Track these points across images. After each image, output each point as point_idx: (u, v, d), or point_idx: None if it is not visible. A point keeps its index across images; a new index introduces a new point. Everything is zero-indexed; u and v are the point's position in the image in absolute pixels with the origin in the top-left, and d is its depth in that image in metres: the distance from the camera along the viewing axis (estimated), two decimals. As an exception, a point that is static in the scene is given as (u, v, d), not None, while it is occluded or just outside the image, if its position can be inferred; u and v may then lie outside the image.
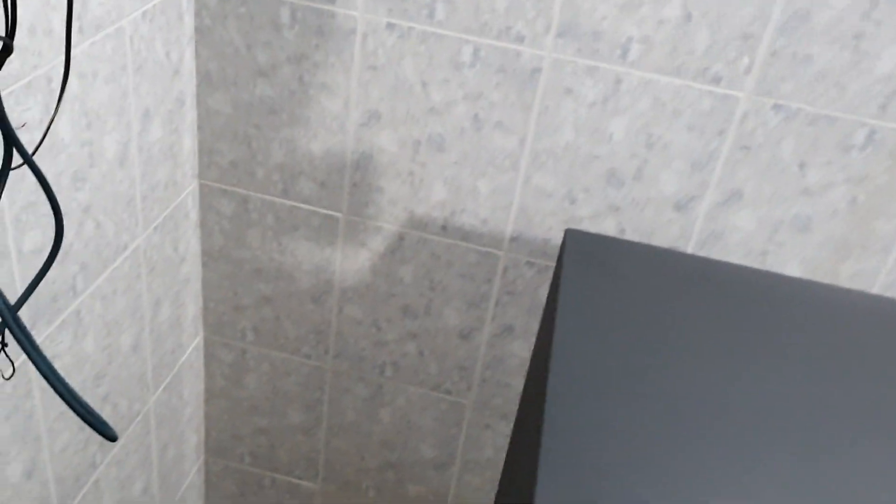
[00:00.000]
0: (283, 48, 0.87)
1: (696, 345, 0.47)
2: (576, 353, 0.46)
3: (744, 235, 0.87)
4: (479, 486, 1.21)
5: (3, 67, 0.58)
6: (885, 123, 0.78)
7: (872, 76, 0.76)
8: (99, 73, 0.72)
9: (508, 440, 1.02)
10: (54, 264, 0.71)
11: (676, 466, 0.39)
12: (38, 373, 0.71)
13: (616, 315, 0.50)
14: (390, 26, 0.83)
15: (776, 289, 0.55)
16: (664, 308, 0.52)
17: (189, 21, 0.86)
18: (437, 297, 1.02)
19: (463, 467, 1.19)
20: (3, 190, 0.52)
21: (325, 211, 0.98)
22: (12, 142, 0.51)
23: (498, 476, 1.19)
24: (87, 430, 0.88)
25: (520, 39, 0.81)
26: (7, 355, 0.55)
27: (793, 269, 0.88)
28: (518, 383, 1.07)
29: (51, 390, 0.75)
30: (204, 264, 1.06)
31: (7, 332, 0.67)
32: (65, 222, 0.71)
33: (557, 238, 0.90)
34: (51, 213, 0.68)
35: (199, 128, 0.94)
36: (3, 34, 0.57)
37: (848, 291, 0.56)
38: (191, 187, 0.98)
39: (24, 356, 0.71)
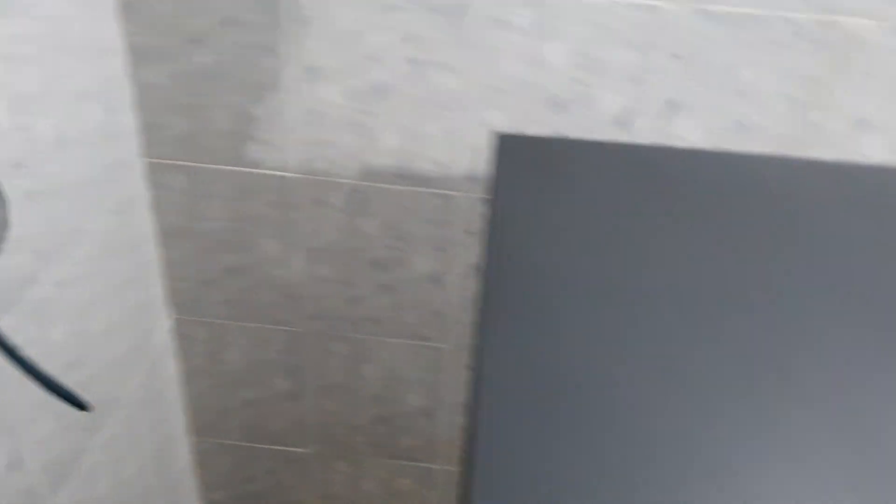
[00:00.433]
0: (214, 13, 0.86)
1: (641, 233, 0.48)
2: (513, 256, 0.46)
3: (689, 145, 0.88)
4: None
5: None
6: (809, 16, 0.79)
7: (798, -31, 0.77)
8: (25, 56, 0.71)
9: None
10: (6, 253, 0.71)
11: (628, 358, 0.40)
12: (6, 365, 0.71)
13: (555, 211, 0.51)
14: (317, -24, 0.82)
15: (724, 168, 0.56)
16: (605, 199, 0.52)
17: (114, -4, 0.85)
18: (404, 246, 1.03)
19: (450, 411, 1.21)
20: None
21: (279, 173, 0.98)
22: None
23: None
24: (68, 416, 0.88)
25: (448, -26, 0.81)
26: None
27: (744, 173, 0.89)
28: (493, 321, 1.08)
29: (26, 382, 0.75)
30: (164, 243, 1.06)
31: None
32: (10, 209, 0.71)
33: (512, 171, 0.91)
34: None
35: (139, 104, 0.93)
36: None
37: (806, 162, 0.57)
38: (139, 166, 0.97)
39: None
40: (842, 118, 0.86)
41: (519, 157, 0.55)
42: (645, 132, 0.88)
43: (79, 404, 0.60)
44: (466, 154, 0.93)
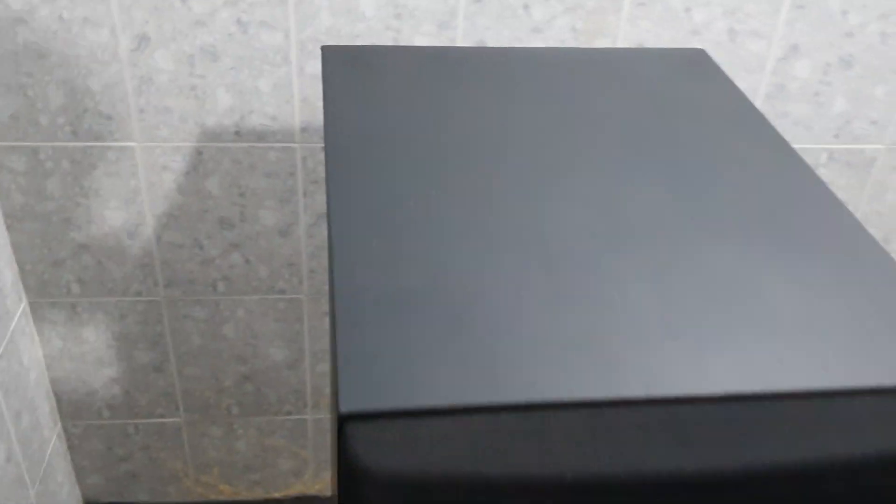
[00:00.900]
0: (36, -11, 0.89)
1: (471, 128, 0.56)
2: (350, 158, 0.50)
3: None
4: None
5: None
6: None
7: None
8: None
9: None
10: None
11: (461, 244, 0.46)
12: None
13: (383, 112, 0.56)
14: (136, -52, 0.87)
15: (538, 62, 0.66)
16: (430, 98, 0.59)
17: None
18: (248, 202, 1.09)
19: (313, 359, 1.28)
20: None
21: (118, 143, 1.02)
22: None
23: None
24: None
25: (261, -62, 0.88)
26: None
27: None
28: (341, 264, 1.17)
29: None
30: (9, 227, 1.07)
31: None
32: None
33: (341, 117, 0.99)
34: None
35: (-30, 88, 0.95)
36: None
37: (620, 50, 0.68)
38: (-24, 150, 0.98)
39: None
40: None
41: (343, 64, 0.63)
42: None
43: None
44: (297, 106, 1.01)
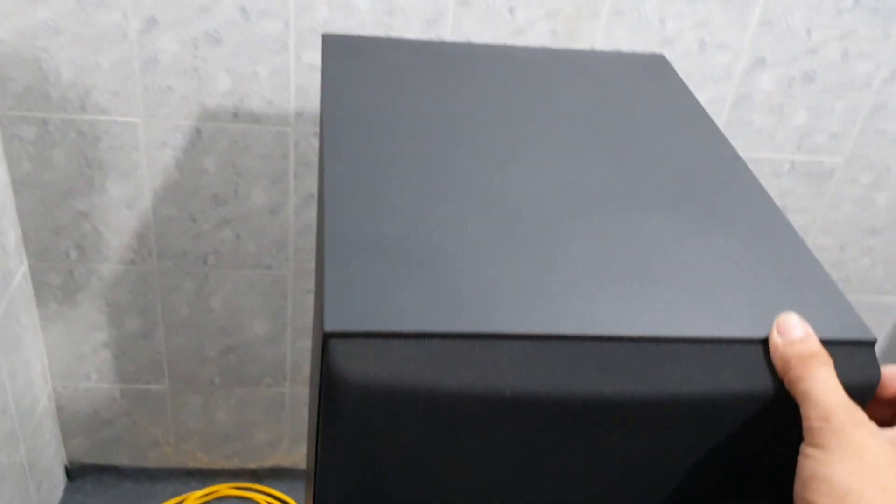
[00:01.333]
0: (54, -30, 0.95)
1: (450, 111, 0.62)
2: (345, 144, 0.56)
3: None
4: (310, 348, 1.37)
5: None
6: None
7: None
8: None
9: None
10: None
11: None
12: None
13: (375, 95, 0.63)
14: (150, -64, 0.94)
15: (530, 60, 0.74)
16: (418, 85, 0.66)
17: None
18: (242, 181, 1.16)
19: (294, 334, 1.35)
20: None
21: (122, 119, 1.08)
22: None
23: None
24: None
25: (266, -67, 0.95)
26: None
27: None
28: (327, 244, 1.23)
29: None
30: (16, 192, 1.13)
31: None
32: None
33: (333, 105, 1.06)
34: None
35: (-14, 59, 1.01)
36: None
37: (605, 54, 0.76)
38: (-12, 117, 1.04)
39: None
40: (594, 48, 1.07)
41: (341, 51, 0.70)
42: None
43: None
44: (293, 93, 1.07)
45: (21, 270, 1.19)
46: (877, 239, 1.32)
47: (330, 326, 0.41)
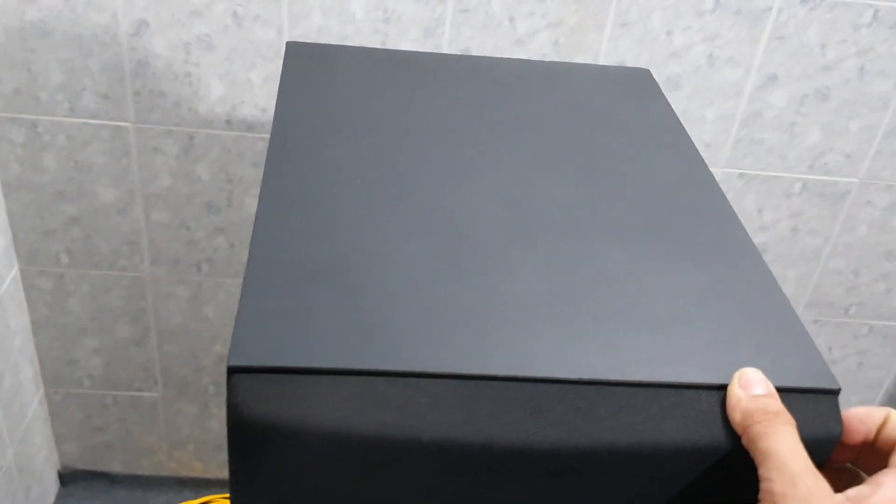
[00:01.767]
0: (43, -30, 0.93)
1: (409, 126, 0.58)
2: (287, 158, 0.53)
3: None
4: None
5: None
6: (569, -26, 0.96)
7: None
8: None
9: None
10: None
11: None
12: None
13: (332, 107, 0.60)
14: (140, -62, 0.92)
15: (497, 71, 0.70)
16: (379, 98, 0.62)
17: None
18: (235, 189, 1.13)
19: (289, 344, 1.32)
20: None
21: (113, 123, 1.06)
22: None
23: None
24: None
25: (259, -63, 0.92)
26: None
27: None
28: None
29: None
30: (5, 195, 1.11)
31: None
32: None
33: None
34: None
35: (-25, 59, 0.99)
36: None
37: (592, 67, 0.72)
38: (-23, 119, 1.03)
39: None
40: (597, 61, 1.03)
41: (304, 60, 0.67)
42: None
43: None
44: (287, 100, 1.05)
45: (11, 274, 1.17)
46: (893, 264, 1.27)
47: (235, 360, 0.37)
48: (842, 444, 0.41)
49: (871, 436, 0.41)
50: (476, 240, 0.47)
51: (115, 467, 1.47)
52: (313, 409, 0.36)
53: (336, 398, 0.36)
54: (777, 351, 0.42)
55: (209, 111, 1.05)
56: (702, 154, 1.13)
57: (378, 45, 1.00)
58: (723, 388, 0.40)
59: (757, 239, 1.23)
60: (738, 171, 1.15)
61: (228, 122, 1.06)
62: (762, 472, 0.37)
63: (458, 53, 1.01)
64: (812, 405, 0.40)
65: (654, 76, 1.05)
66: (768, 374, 0.41)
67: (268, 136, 1.07)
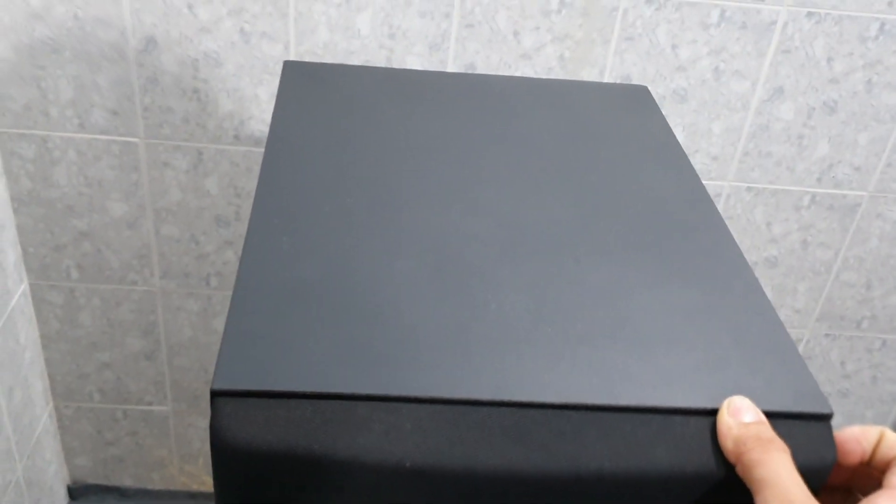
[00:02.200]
0: (53, -11, 0.94)
1: (404, 144, 0.58)
2: (280, 177, 0.53)
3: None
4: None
5: None
6: (573, -12, 0.96)
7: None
8: None
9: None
10: None
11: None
12: None
13: (326, 126, 0.60)
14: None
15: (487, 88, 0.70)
16: (374, 116, 0.62)
17: (-44, -26, 0.92)
18: (244, 203, 1.14)
19: (297, 358, 1.32)
20: None
21: (123, 138, 1.07)
22: None
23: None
24: (-71, 364, 0.94)
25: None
26: None
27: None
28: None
29: None
30: (15, 210, 1.12)
31: None
32: None
33: (334, 128, 1.04)
34: None
35: (-14, 77, 1.00)
36: None
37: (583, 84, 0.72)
38: (-11, 135, 1.04)
39: None
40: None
41: (300, 79, 0.67)
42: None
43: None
44: (294, 115, 1.05)
45: (21, 289, 1.18)
46: (904, 277, 1.26)
47: (217, 384, 0.38)
48: (837, 465, 0.41)
49: (867, 456, 0.40)
50: (465, 259, 0.47)
51: (126, 481, 1.47)
52: (295, 434, 0.36)
53: (318, 423, 0.36)
54: (768, 374, 0.42)
55: (217, 126, 1.06)
56: (709, 167, 1.12)
57: (383, 61, 1.01)
58: (712, 414, 0.39)
59: (766, 252, 1.22)
60: (746, 184, 1.15)
61: (237, 137, 1.07)
62: (759, 500, 0.36)
63: (463, 68, 1.02)
64: (804, 431, 0.39)
65: (661, 90, 1.05)
66: (759, 397, 0.40)
67: (275, 150, 1.07)
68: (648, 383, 0.40)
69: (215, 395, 0.37)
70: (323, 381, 0.38)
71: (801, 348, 1.34)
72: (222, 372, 0.38)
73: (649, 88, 1.05)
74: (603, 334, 0.43)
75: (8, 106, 1.03)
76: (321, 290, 0.43)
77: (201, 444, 1.43)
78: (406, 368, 0.39)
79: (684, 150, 1.10)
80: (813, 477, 0.38)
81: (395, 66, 1.01)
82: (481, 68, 1.02)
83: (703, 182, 1.13)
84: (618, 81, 1.04)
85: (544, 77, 0.92)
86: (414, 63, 1.01)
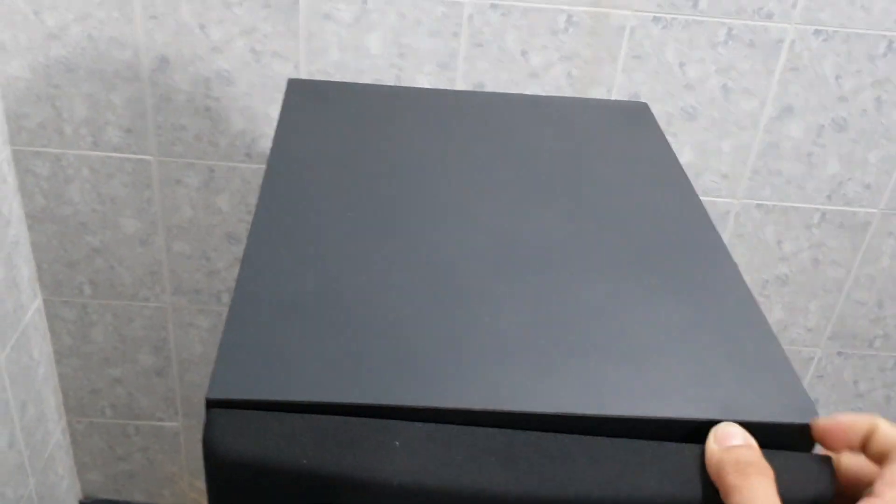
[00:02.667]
0: (69, 9, 0.96)
1: (404, 161, 0.59)
2: (280, 192, 0.53)
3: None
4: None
5: None
6: (584, 8, 0.97)
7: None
8: None
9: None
10: None
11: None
12: None
13: (327, 142, 0.60)
14: (162, -23, 0.94)
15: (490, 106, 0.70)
16: (376, 132, 0.63)
17: (-26, -5, 0.94)
18: (253, 221, 1.15)
19: (307, 375, 1.32)
20: None
21: (136, 156, 1.08)
22: None
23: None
24: (-57, 379, 0.95)
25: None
26: None
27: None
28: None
29: None
30: (30, 227, 1.14)
31: None
32: None
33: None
34: None
35: (2, 96, 1.02)
36: None
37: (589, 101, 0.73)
38: (4, 153, 1.05)
39: None
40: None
41: (304, 97, 0.68)
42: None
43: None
44: (304, 133, 1.06)
45: (35, 305, 1.19)
46: (916, 295, 1.25)
47: (213, 393, 0.38)
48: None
49: (855, 446, 0.40)
50: (461, 274, 0.48)
51: (137, 497, 1.48)
52: (286, 448, 0.36)
53: (309, 438, 0.37)
54: (761, 386, 0.42)
55: (229, 144, 1.07)
56: (719, 185, 1.13)
57: (393, 79, 1.02)
58: (703, 425, 0.39)
59: (777, 270, 1.22)
60: (756, 201, 1.15)
61: (248, 154, 1.08)
62: None
63: (472, 87, 1.03)
64: (799, 462, 0.39)
65: (669, 108, 1.05)
66: (751, 410, 0.40)
67: (286, 168, 1.08)
68: (641, 395, 0.40)
69: (210, 404, 0.38)
70: (317, 391, 0.39)
71: (812, 367, 1.33)
72: (217, 381, 0.39)
73: (657, 106, 1.06)
74: (596, 347, 0.43)
75: (23, 124, 1.04)
76: (318, 303, 0.44)
77: (212, 460, 1.44)
78: (399, 379, 0.40)
79: (693, 168, 1.11)
80: None
81: (405, 84, 1.02)
82: (490, 87, 1.03)
83: (713, 200, 1.13)
84: (625, 99, 1.05)
85: (551, 95, 0.93)
86: (423, 82, 1.02)
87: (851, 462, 0.42)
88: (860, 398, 1.37)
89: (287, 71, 1.01)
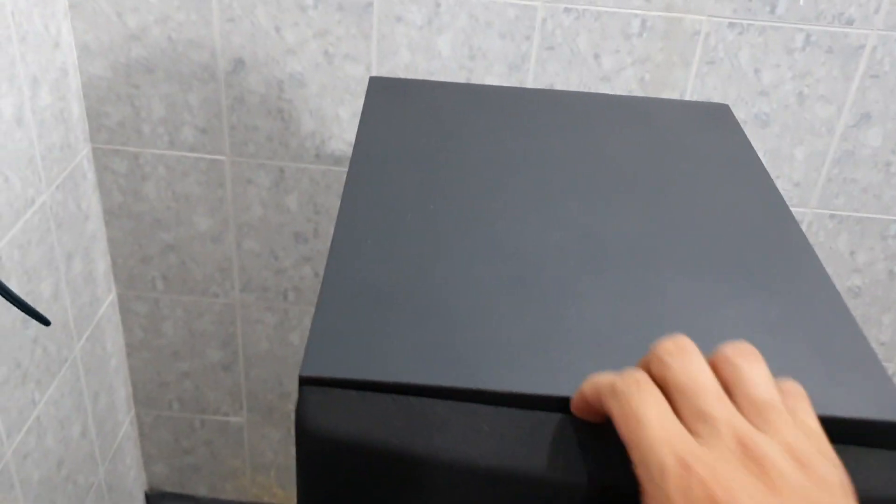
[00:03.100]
0: (150, 11, 0.99)
1: (486, 158, 0.59)
2: (365, 186, 0.54)
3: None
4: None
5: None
6: (656, 13, 0.96)
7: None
8: (-11, 42, 0.83)
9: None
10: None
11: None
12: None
13: (410, 138, 0.61)
14: (240, -20, 0.96)
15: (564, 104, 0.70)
16: (456, 129, 0.63)
17: (62, -3, 0.97)
18: (322, 220, 1.17)
19: (370, 374, 1.34)
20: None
21: (210, 156, 1.11)
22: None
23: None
24: (22, 367, 0.99)
25: (351, -22, 0.96)
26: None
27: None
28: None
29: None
30: (107, 222, 1.17)
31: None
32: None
33: (412, 148, 1.05)
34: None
35: (85, 95, 1.05)
36: None
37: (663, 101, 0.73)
38: (85, 151, 1.09)
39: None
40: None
41: (385, 94, 0.69)
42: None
43: (42, 319, 0.72)
44: (374, 135, 1.07)
45: (109, 298, 1.23)
46: None
47: (306, 371, 0.39)
48: None
49: None
50: (545, 269, 0.48)
51: (201, 490, 1.51)
52: (375, 427, 0.37)
53: (398, 418, 0.37)
54: (850, 383, 0.41)
55: (299, 145, 1.09)
56: (791, 193, 1.10)
57: (463, 81, 1.02)
58: None
59: (850, 282, 1.19)
60: (830, 211, 1.12)
61: (317, 156, 1.10)
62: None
63: (531, 88, 1.03)
64: (892, 461, 0.38)
65: (742, 114, 1.04)
66: (843, 406, 0.39)
67: (354, 169, 1.09)
68: None
69: (303, 382, 0.39)
70: (405, 373, 0.39)
71: (886, 382, 1.29)
72: (310, 359, 0.40)
73: (730, 112, 1.04)
74: None
75: (103, 123, 1.08)
76: (404, 294, 0.45)
77: (274, 455, 1.46)
78: (486, 365, 0.40)
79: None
80: None
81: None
82: (560, 89, 1.02)
83: (785, 208, 1.10)
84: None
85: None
86: (493, 83, 1.02)
87: None
88: (936, 416, 1.33)
89: (358, 73, 1.03)
